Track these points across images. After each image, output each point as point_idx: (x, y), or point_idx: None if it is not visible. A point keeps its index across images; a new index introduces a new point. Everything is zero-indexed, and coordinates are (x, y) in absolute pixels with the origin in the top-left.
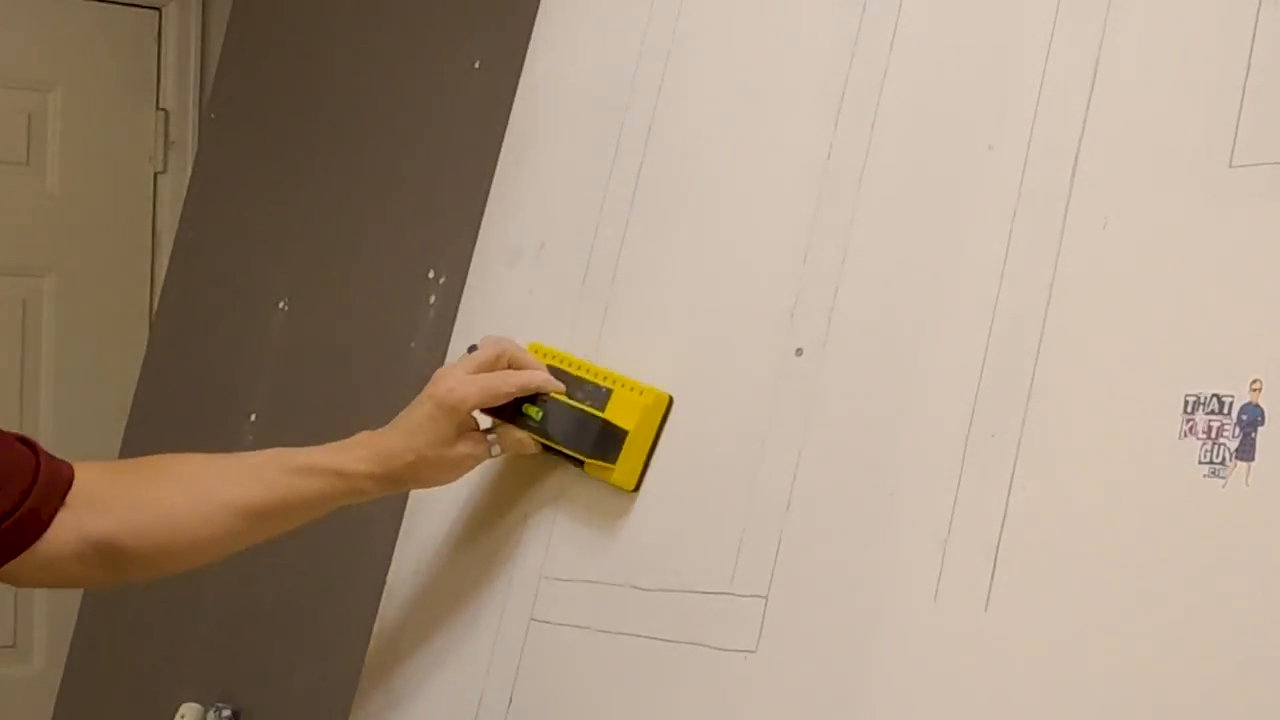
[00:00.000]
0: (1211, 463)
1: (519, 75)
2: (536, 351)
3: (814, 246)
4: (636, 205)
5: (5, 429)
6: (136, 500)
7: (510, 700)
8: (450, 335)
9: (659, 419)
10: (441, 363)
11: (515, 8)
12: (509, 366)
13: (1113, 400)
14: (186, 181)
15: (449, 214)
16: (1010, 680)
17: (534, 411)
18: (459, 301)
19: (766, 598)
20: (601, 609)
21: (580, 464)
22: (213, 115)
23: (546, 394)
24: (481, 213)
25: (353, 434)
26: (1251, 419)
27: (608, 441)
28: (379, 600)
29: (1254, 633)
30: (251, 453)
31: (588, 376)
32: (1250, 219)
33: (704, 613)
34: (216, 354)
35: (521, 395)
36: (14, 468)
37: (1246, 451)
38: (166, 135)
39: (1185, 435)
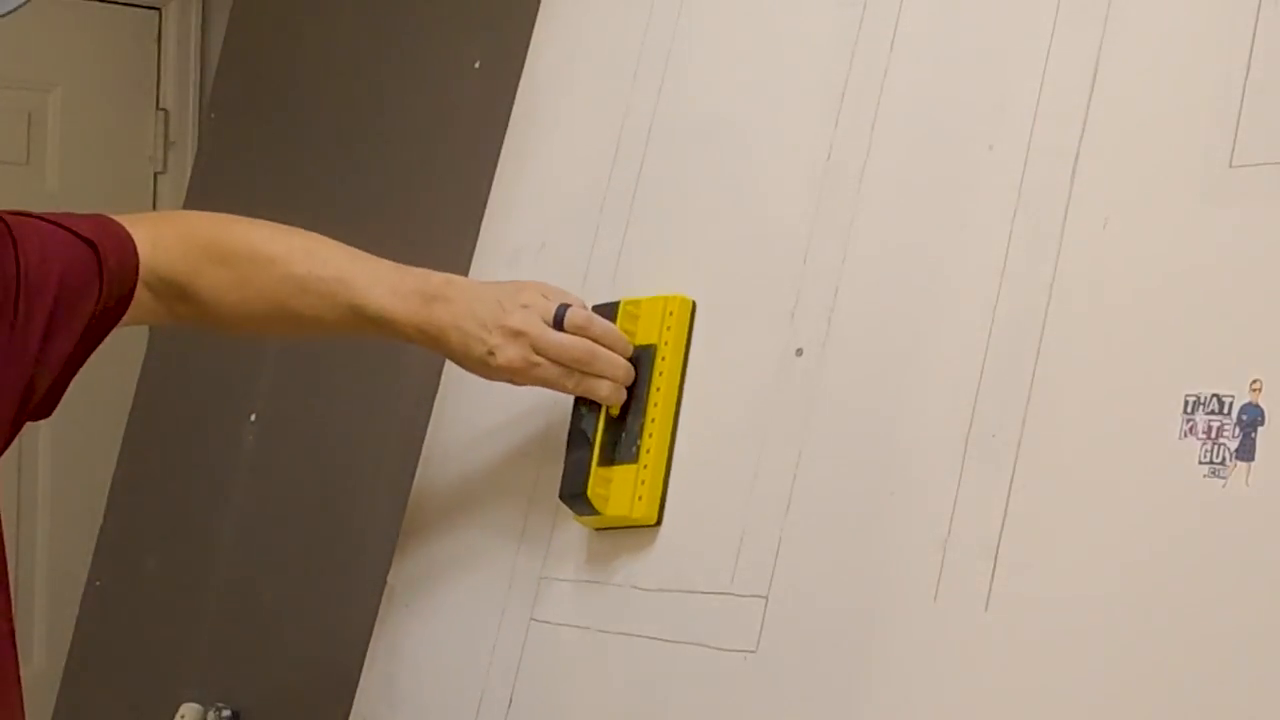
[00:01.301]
0: (1211, 463)
1: (519, 75)
2: (652, 308)
3: (814, 246)
4: (637, 205)
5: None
6: (217, 301)
7: (510, 700)
8: None
9: (620, 525)
10: (441, 363)
11: (516, 8)
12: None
13: (1113, 400)
14: (186, 182)
15: (449, 214)
16: (1010, 680)
17: (580, 408)
18: None
19: (766, 598)
20: (601, 609)
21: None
22: (213, 115)
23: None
24: (482, 213)
25: (355, 436)
26: (1252, 419)
27: (579, 506)
28: (379, 600)
29: (1254, 633)
30: (323, 266)
31: (649, 409)
32: (1250, 219)
33: (704, 613)
34: (216, 353)
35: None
36: (84, 276)
37: (1246, 451)
38: (166, 135)
39: (1185, 435)
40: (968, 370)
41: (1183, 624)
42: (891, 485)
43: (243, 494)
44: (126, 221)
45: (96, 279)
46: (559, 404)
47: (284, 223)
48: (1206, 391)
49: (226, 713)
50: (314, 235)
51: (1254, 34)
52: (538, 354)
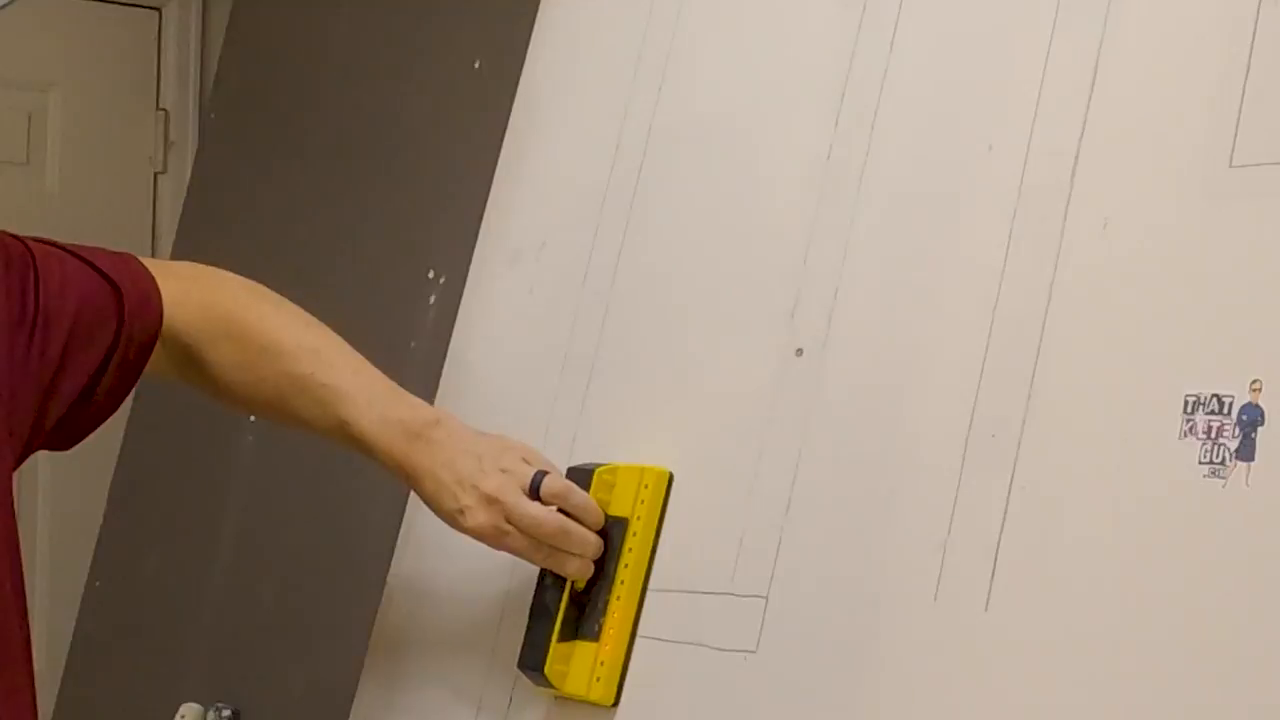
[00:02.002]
0: (1211, 463)
1: (519, 75)
2: (627, 478)
3: (814, 246)
4: (637, 205)
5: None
6: (221, 378)
7: (510, 700)
8: (450, 335)
9: (575, 698)
10: (440, 364)
11: (515, 8)
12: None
13: (1113, 400)
14: (186, 182)
15: (449, 214)
16: (1010, 680)
17: (545, 577)
18: (459, 301)
19: (767, 598)
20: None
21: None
22: (213, 115)
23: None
24: (482, 212)
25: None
26: (1251, 419)
27: (536, 679)
28: (379, 600)
29: (1254, 633)
30: (322, 361)
31: (615, 586)
32: (1250, 219)
33: (704, 613)
34: None
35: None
36: (101, 313)
37: (1246, 452)
38: (166, 135)
39: (1185, 435)
40: (968, 370)
41: (1182, 624)
42: (891, 485)
43: (243, 494)
44: (158, 271)
45: (114, 319)
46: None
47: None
48: (1206, 391)
49: (226, 712)
50: (329, 335)
51: (1254, 34)
52: (509, 523)
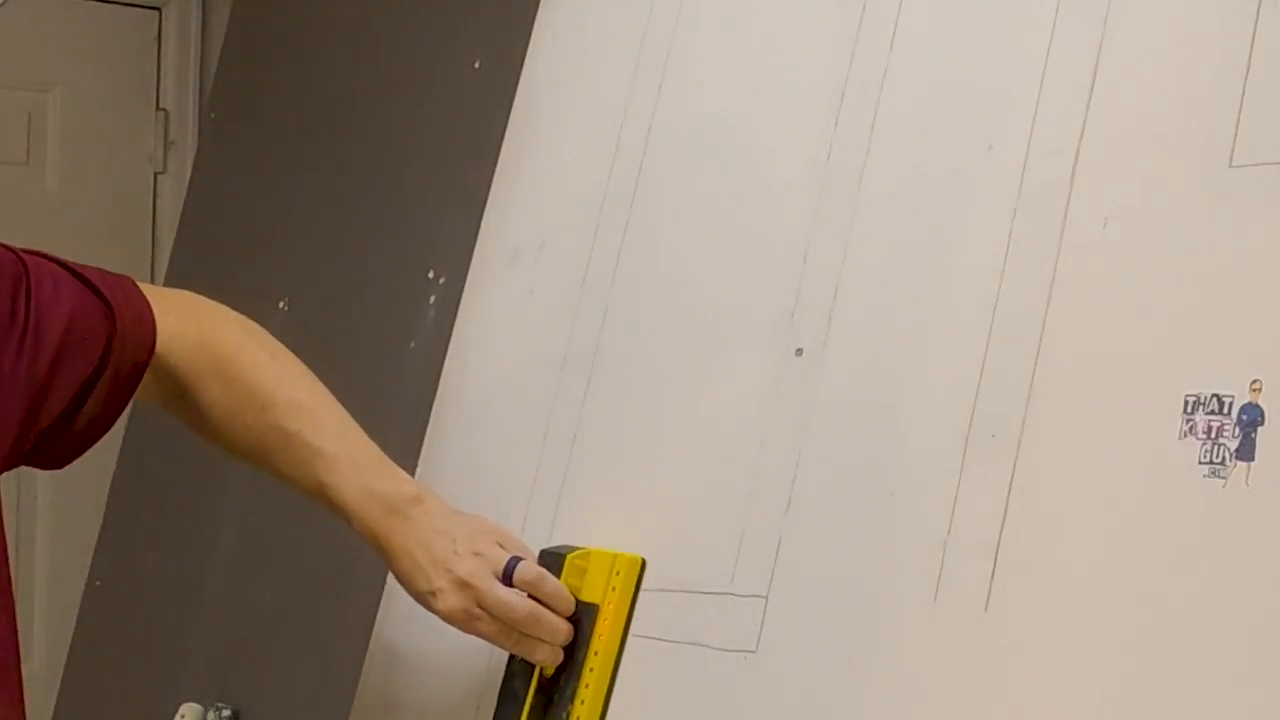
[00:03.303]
0: (1211, 463)
1: (519, 75)
2: (599, 564)
3: (814, 246)
4: (636, 205)
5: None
6: (208, 417)
7: None
8: (450, 335)
9: None
10: (440, 363)
11: (515, 8)
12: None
13: (1113, 400)
14: (186, 182)
15: (449, 214)
16: (1010, 680)
17: (514, 662)
18: (459, 302)
19: (766, 598)
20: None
21: None
22: (213, 115)
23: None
24: (481, 213)
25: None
26: (1251, 419)
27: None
28: (379, 600)
29: (1254, 633)
30: (310, 420)
31: (584, 674)
32: (1250, 219)
33: (704, 613)
34: None
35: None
36: (92, 328)
37: (1246, 452)
38: (166, 135)
39: (1185, 435)
40: (968, 370)
41: (1182, 624)
42: (891, 485)
43: (243, 494)
44: (156, 301)
45: (105, 336)
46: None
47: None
48: (1206, 391)
49: (226, 712)
50: (321, 393)
51: (1254, 34)
52: (480, 608)
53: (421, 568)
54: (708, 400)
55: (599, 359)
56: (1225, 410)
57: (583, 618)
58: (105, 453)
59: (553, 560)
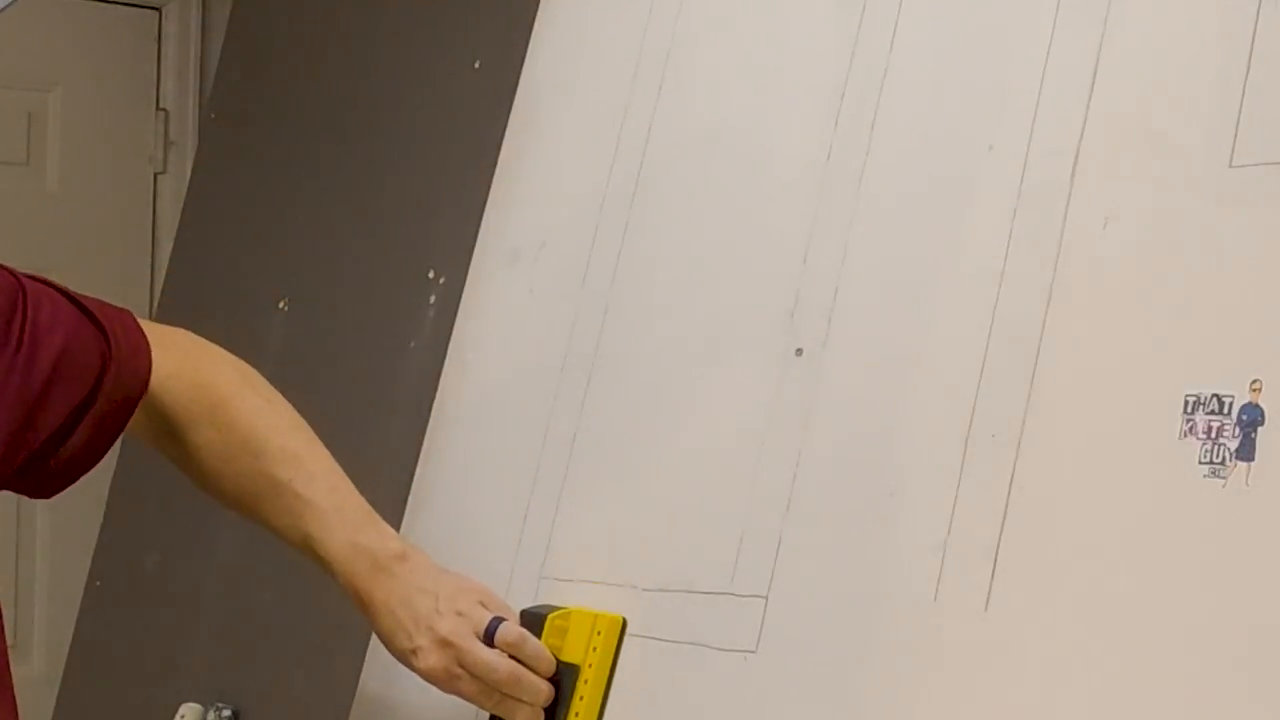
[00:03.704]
0: (1211, 463)
1: (519, 75)
2: (579, 624)
3: (814, 246)
4: (636, 205)
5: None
6: (197, 460)
7: None
8: (450, 335)
9: None
10: (440, 364)
11: (515, 8)
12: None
13: (1113, 400)
14: (186, 182)
15: (449, 214)
16: (1010, 681)
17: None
18: (459, 302)
19: (766, 598)
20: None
21: None
22: (213, 115)
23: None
24: (481, 213)
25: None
26: (1251, 419)
27: None
28: None
29: (1254, 633)
30: (301, 470)
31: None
32: (1250, 219)
33: (704, 613)
34: None
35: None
36: (86, 355)
37: (1246, 452)
38: (166, 135)
39: (1185, 435)
40: (968, 370)
41: (1182, 624)
42: (891, 485)
43: None
44: (154, 335)
45: (100, 363)
46: (557, 419)
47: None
48: (1206, 391)
49: (227, 712)
50: (313, 443)
51: (1254, 34)
52: (461, 667)
53: (403, 625)
54: (708, 400)
55: (599, 359)
56: (1225, 410)
57: (564, 678)
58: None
59: (534, 620)
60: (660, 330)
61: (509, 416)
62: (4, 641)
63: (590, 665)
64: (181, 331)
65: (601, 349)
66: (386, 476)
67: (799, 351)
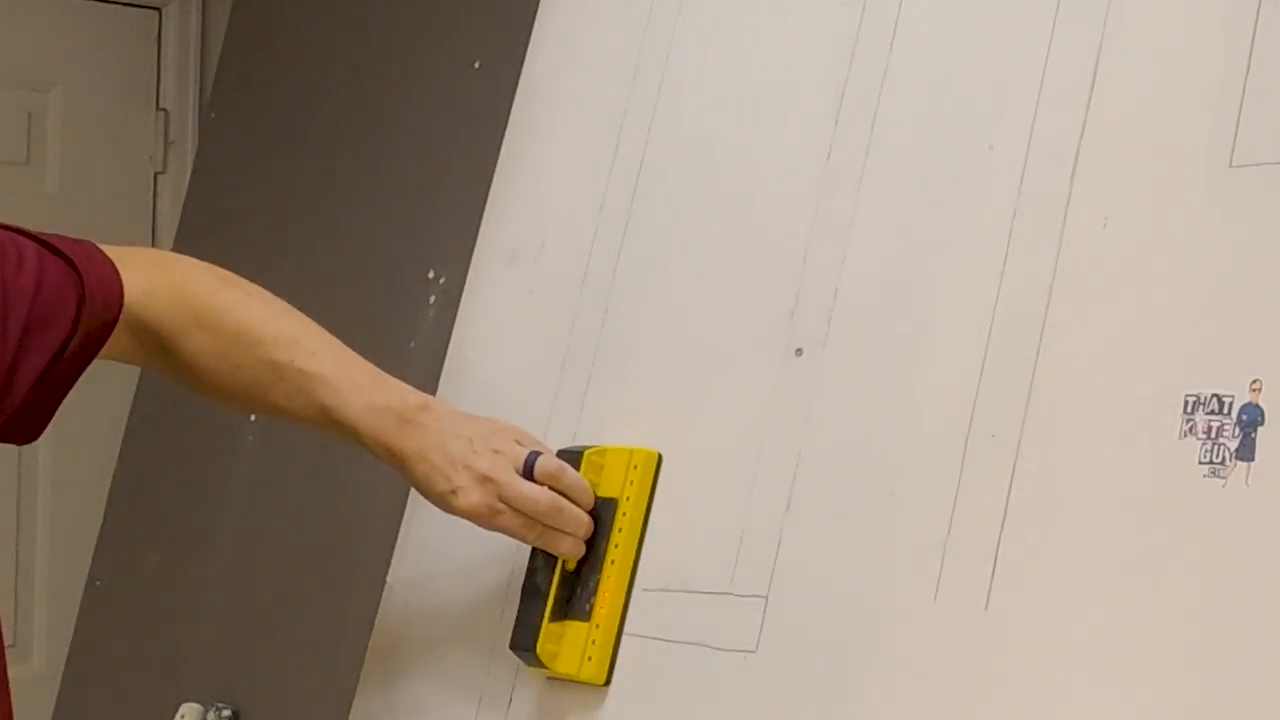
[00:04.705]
0: (1211, 463)
1: (519, 75)
2: (616, 460)
3: (814, 246)
4: (636, 205)
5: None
6: (193, 366)
7: (510, 701)
8: (449, 335)
9: (566, 678)
10: (440, 364)
11: (515, 8)
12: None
13: (1112, 400)
14: (186, 182)
15: (449, 214)
16: (1009, 680)
17: (537, 557)
18: (459, 301)
19: (766, 598)
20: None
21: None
22: (213, 115)
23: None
24: (481, 213)
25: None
26: (1252, 419)
27: (528, 660)
28: (379, 600)
29: (1253, 632)
30: (303, 350)
31: (605, 566)
32: (1250, 219)
33: (704, 613)
34: None
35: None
36: (60, 293)
37: (1246, 452)
38: (166, 135)
39: (1185, 435)
40: (967, 370)
41: (1183, 624)
42: (891, 485)
43: (243, 493)
44: (117, 256)
45: (75, 300)
46: (557, 419)
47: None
48: (1206, 391)
49: (226, 713)
50: (306, 322)
51: (1254, 34)
52: (502, 502)
53: (439, 469)
54: (707, 400)
55: (598, 359)
56: (1225, 410)
57: (602, 512)
58: (105, 451)
59: (571, 457)
60: (660, 330)
61: (509, 416)
62: (1, 641)
63: (628, 499)
64: (145, 249)
65: (601, 349)
66: (387, 475)
67: (799, 351)
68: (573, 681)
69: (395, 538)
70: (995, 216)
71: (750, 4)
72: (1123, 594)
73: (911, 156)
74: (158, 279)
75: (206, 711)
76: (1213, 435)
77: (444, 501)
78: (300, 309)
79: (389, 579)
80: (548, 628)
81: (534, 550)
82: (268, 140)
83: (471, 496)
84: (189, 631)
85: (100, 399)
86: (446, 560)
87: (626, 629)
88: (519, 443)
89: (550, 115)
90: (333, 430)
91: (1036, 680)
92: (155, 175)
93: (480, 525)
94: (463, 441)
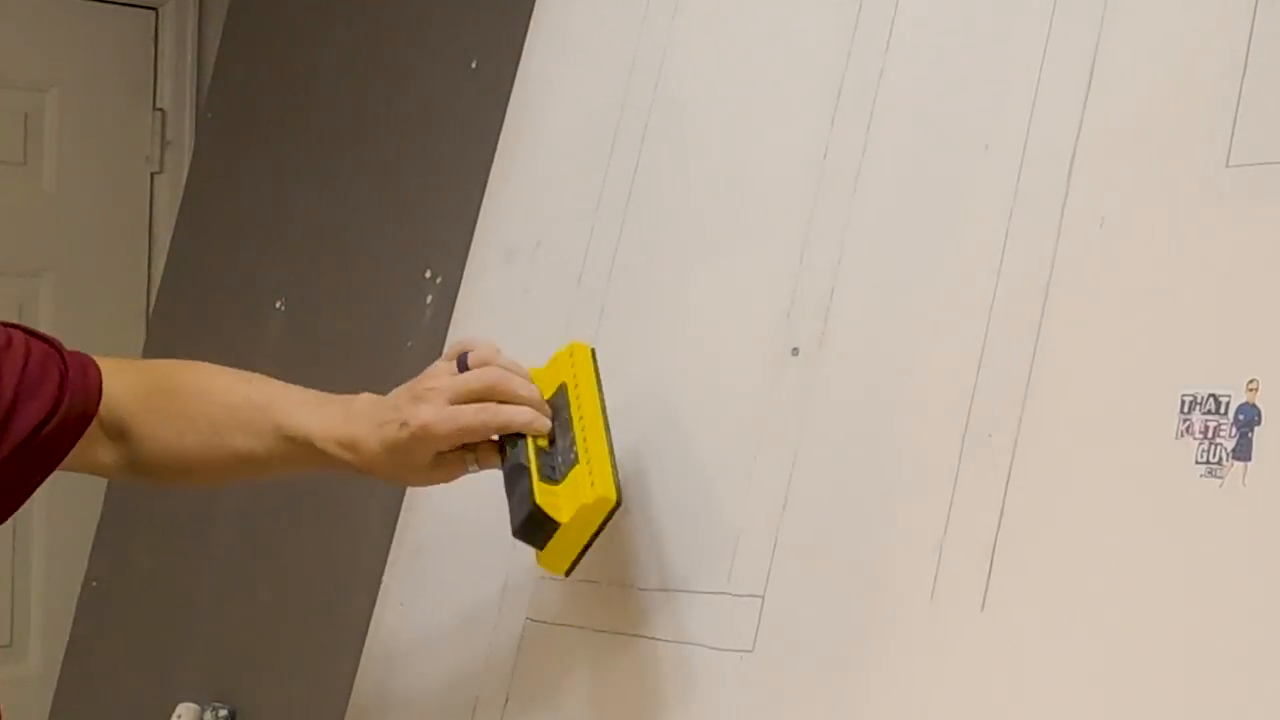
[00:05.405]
0: (1208, 463)
1: (515, 75)
2: (555, 363)
3: (810, 246)
4: (632, 204)
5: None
6: (158, 436)
7: (506, 700)
8: (446, 334)
9: (598, 521)
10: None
11: (511, 7)
12: (498, 398)
13: (1109, 400)
14: (183, 181)
15: (445, 213)
16: (1007, 680)
17: (509, 451)
18: (455, 301)
19: (763, 597)
20: (598, 608)
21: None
22: (209, 115)
23: (525, 435)
24: (478, 212)
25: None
26: (1248, 419)
27: (535, 528)
28: (375, 599)
29: (1250, 632)
30: (258, 392)
31: (575, 429)
32: (1247, 219)
33: (701, 612)
34: (213, 354)
35: (501, 434)
36: (44, 370)
37: (1243, 451)
38: (163, 135)
39: (1182, 435)
40: (964, 370)
41: (1178, 624)
42: (888, 485)
43: (239, 494)
44: (99, 359)
45: (57, 379)
46: None
47: (280, 221)
48: (1203, 391)
49: (223, 712)
50: (262, 377)
51: (1250, 34)
52: (452, 404)
53: (383, 415)
54: (704, 400)
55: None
56: (1222, 410)
57: (556, 402)
58: None
59: None
60: (656, 330)
61: None
62: None
63: (574, 380)
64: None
65: (597, 349)
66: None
67: (795, 351)
68: (588, 518)
69: (391, 538)
70: (992, 216)
71: (747, 4)
72: (1119, 594)
73: (908, 156)
74: (126, 365)
75: (203, 711)
76: (1209, 435)
77: (400, 441)
78: (297, 309)
79: (385, 579)
80: (540, 487)
81: (502, 448)
82: (264, 140)
83: (423, 413)
84: (186, 631)
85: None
86: (442, 561)
87: (621, 629)
88: (451, 373)
89: (546, 115)
90: (290, 452)
91: (1033, 679)
92: (152, 175)
93: (442, 442)
94: (401, 392)
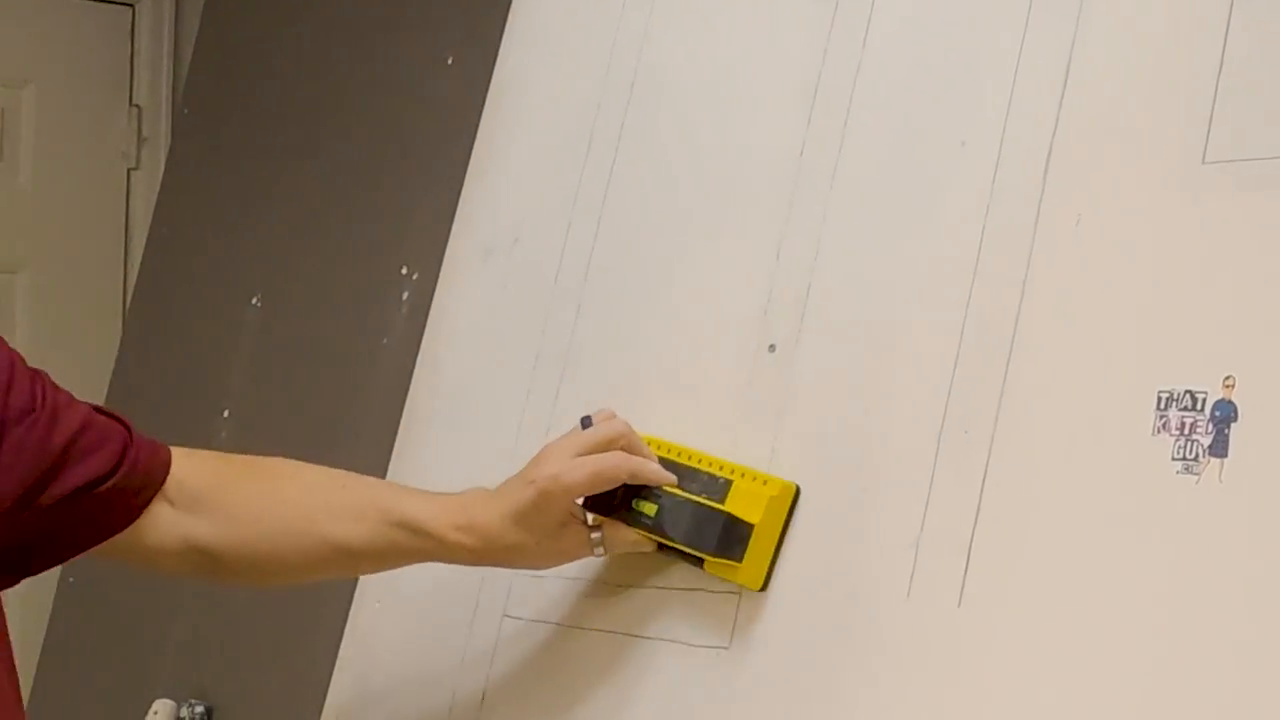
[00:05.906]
0: (1185, 459)
1: (492, 71)
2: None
3: (787, 243)
4: (609, 201)
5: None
6: (239, 514)
7: (483, 697)
8: (423, 331)
9: (785, 510)
10: (413, 359)
11: (488, 3)
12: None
13: (1086, 397)
14: (160, 177)
15: (422, 209)
16: (983, 676)
17: (648, 508)
18: (432, 297)
19: (740, 594)
20: (575, 605)
21: (700, 562)
22: (186, 111)
23: (659, 488)
24: (454, 208)
25: (328, 433)
26: (1225, 415)
27: (732, 538)
28: (352, 597)
29: (1227, 628)
30: (357, 481)
31: (702, 467)
32: (1223, 215)
33: (677, 609)
34: (190, 350)
35: (632, 484)
36: (107, 434)
37: (1220, 448)
38: (140, 131)
39: (1158, 432)
40: (940, 367)
41: (1156, 620)
42: (864, 482)
43: None
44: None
45: (120, 445)
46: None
47: (257, 218)
48: (1179, 388)
49: (199, 709)
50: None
51: (1226, 31)
52: (582, 456)
53: (502, 490)
54: (681, 396)
55: (572, 354)
56: (1198, 406)
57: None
58: None
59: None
60: (633, 326)
61: (482, 412)
62: (7, 638)
63: (652, 443)
64: None
65: (574, 345)
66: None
67: (772, 348)
68: (777, 510)
69: None
70: (968, 213)
71: (723, 2)
72: (1096, 590)
73: (884, 153)
74: (208, 454)
75: (180, 708)
76: (1186, 432)
77: (530, 495)
78: (273, 305)
79: (361, 577)
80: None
81: (631, 509)
82: (241, 136)
83: (548, 466)
84: (162, 628)
85: (79, 393)
86: None
87: (599, 625)
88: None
89: (523, 111)
90: (400, 543)
91: (1009, 676)
92: (129, 171)
93: (576, 487)
94: (521, 522)
